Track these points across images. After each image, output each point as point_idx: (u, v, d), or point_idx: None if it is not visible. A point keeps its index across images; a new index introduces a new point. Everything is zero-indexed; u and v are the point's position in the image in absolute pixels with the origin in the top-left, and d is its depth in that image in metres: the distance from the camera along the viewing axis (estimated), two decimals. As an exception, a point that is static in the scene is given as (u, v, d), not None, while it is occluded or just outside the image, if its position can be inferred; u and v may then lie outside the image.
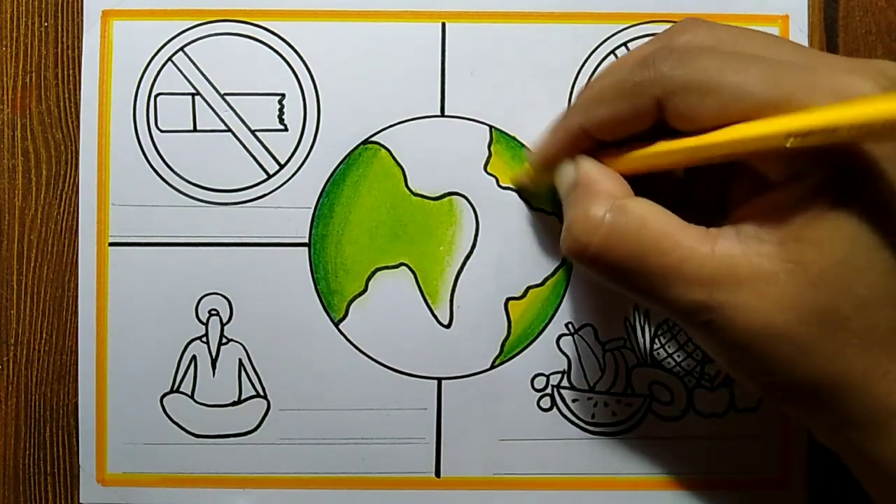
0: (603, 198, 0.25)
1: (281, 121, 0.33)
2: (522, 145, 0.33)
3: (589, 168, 0.26)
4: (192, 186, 0.33)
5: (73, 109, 0.33)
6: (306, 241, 0.33)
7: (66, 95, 0.33)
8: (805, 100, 0.21)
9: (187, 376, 0.33)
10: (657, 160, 0.25)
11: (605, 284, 0.25)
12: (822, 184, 0.21)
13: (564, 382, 0.33)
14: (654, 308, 0.25)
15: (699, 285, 0.22)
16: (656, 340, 0.32)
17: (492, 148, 0.33)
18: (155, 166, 0.33)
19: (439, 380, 0.33)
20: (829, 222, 0.21)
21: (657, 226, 0.23)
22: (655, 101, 0.23)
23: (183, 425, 0.32)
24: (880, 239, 0.21)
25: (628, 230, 0.24)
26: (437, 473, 0.33)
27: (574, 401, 0.33)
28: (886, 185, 0.21)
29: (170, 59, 0.33)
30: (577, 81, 0.33)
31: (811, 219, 0.21)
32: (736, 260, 0.22)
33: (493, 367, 0.33)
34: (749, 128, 0.22)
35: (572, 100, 0.32)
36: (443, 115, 0.33)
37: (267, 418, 0.33)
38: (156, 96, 0.33)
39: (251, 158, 0.33)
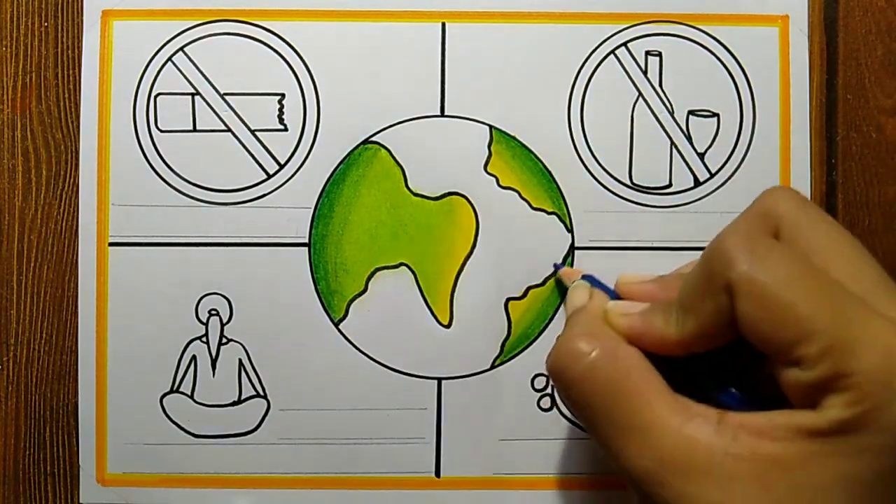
0: (597, 335, 0.25)
1: (281, 121, 0.33)
2: (523, 145, 0.33)
3: (599, 303, 0.26)
4: (192, 186, 0.33)
5: (73, 109, 0.33)
6: (306, 241, 0.33)
7: (66, 95, 0.33)
8: (855, 357, 0.20)
9: (187, 376, 0.32)
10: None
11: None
12: (831, 432, 0.20)
13: (564, 382, 0.33)
14: (604, 456, 0.25)
15: (652, 456, 0.22)
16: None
17: (492, 148, 0.33)
18: (155, 166, 0.33)
19: (439, 380, 0.33)
20: (817, 470, 0.20)
21: (637, 381, 0.23)
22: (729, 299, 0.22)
23: (183, 425, 0.32)
24: None
25: (607, 374, 0.24)
26: (437, 473, 0.33)
27: (574, 401, 0.33)
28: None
29: (170, 59, 0.33)
30: (577, 81, 0.33)
31: (804, 457, 0.21)
32: (698, 447, 0.21)
33: (493, 367, 0.33)
34: None
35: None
36: (443, 115, 0.33)
37: (267, 418, 0.32)
38: (156, 96, 0.33)
39: (251, 158, 0.33)
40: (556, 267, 0.32)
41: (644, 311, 0.25)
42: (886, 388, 0.20)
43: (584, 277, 0.30)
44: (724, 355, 0.23)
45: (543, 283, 0.33)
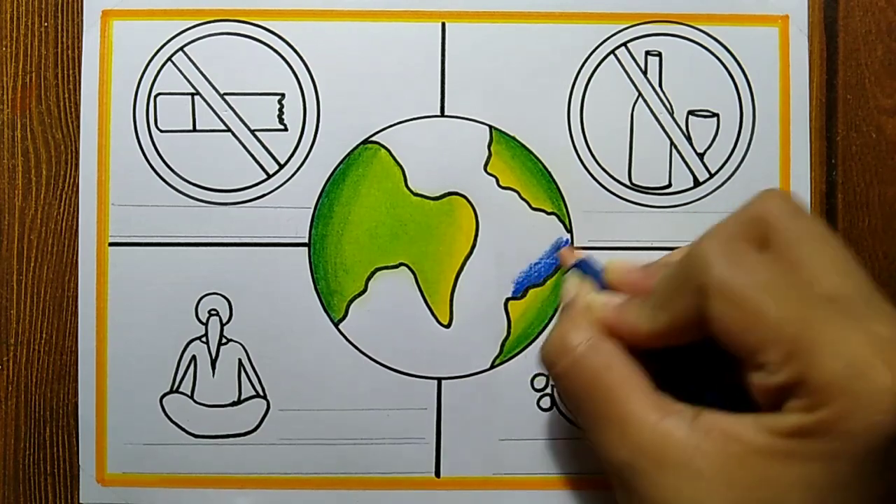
0: (584, 328, 0.26)
1: (281, 121, 0.33)
2: (522, 145, 0.33)
3: (585, 295, 0.28)
4: (191, 186, 0.33)
5: (73, 109, 0.33)
6: (306, 241, 0.33)
7: (66, 95, 0.33)
8: (817, 364, 0.21)
9: (187, 376, 0.33)
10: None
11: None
12: (791, 435, 0.21)
13: (564, 382, 0.33)
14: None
15: (630, 448, 0.23)
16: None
17: (492, 148, 0.33)
18: (155, 166, 0.33)
19: (439, 380, 0.33)
20: (776, 471, 0.21)
21: (617, 375, 0.25)
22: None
23: (182, 425, 0.32)
24: None
25: (591, 367, 0.25)
26: (437, 473, 0.33)
27: (574, 401, 0.33)
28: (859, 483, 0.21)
29: (170, 58, 0.33)
30: (577, 81, 0.33)
31: (764, 458, 0.21)
32: (672, 442, 0.22)
33: (493, 367, 0.33)
34: None
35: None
36: (443, 115, 0.33)
37: (267, 418, 0.33)
38: (156, 96, 0.33)
39: (251, 158, 0.33)
40: (558, 247, 0.32)
41: (622, 303, 0.26)
42: (846, 397, 0.20)
43: (578, 264, 0.30)
44: (709, 354, 0.23)
45: (543, 283, 0.33)
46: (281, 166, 0.33)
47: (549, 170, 0.33)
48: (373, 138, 0.33)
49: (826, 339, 0.21)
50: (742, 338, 0.22)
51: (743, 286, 0.22)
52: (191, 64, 0.33)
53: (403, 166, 0.33)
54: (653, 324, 0.25)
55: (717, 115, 0.33)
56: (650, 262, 0.28)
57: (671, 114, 0.33)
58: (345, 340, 0.32)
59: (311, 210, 0.33)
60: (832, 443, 0.20)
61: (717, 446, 0.22)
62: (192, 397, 0.32)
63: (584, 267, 0.30)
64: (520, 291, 0.33)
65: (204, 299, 0.32)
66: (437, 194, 0.33)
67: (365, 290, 0.33)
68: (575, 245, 0.33)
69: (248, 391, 0.33)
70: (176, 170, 0.33)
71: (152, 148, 0.33)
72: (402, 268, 0.33)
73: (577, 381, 0.25)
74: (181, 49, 0.33)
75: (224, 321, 0.32)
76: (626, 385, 0.24)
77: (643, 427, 0.23)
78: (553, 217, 0.33)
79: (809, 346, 0.21)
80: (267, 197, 0.33)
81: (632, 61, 0.33)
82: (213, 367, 0.33)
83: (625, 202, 0.33)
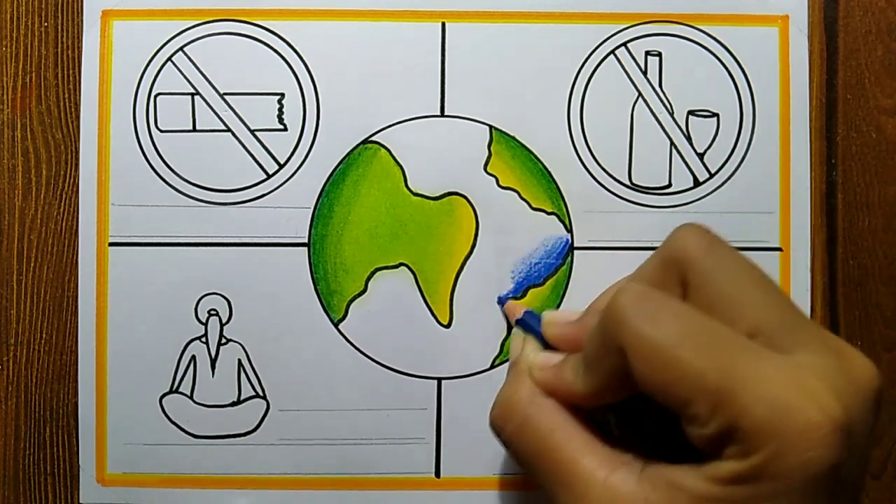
0: (526, 391, 0.26)
1: (280, 120, 0.33)
2: (522, 145, 0.33)
3: (528, 355, 0.27)
4: (191, 186, 0.33)
5: (73, 109, 0.33)
6: (306, 241, 0.33)
7: (66, 95, 0.33)
8: (742, 411, 0.20)
9: (187, 376, 0.32)
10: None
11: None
12: (732, 482, 0.21)
13: (564, 382, 0.33)
14: None
15: None
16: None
17: (492, 148, 0.33)
18: (155, 166, 0.33)
19: (439, 380, 0.33)
20: None
21: (562, 436, 0.24)
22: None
23: (182, 426, 0.32)
24: None
25: (537, 430, 0.25)
26: (437, 473, 0.33)
27: (574, 401, 0.33)
28: None
29: (169, 58, 0.33)
30: (577, 81, 0.33)
31: None
32: (622, 497, 0.22)
33: (492, 366, 0.33)
34: None
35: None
36: (443, 115, 0.33)
37: (266, 418, 0.33)
38: (155, 96, 0.33)
39: (251, 158, 0.33)
40: (500, 301, 0.32)
41: (558, 364, 0.26)
42: (776, 439, 0.20)
43: (519, 321, 0.30)
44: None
45: (543, 283, 0.33)
46: (281, 166, 0.33)
47: (549, 170, 0.33)
48: (373, 138, 0.33)
49: (749, 384, 0.21)
50: (667, 393, 0.22)
51: (660, 342, 0.22)
52: (191, 64, 0.33)
53: (403, 166, 0.33)
54: (586, 386, 0.24)
55: (717, 115, 0.33)
56: (585, 312, 0.28)
57: (671, 114, 0.33)
58: (345, 340, 0.32)
59: (311, 210, 0.33)
60: (770, 484, 0.20)
61: (663, 498, 0.22)
62: (191, 397, 0.32)
63: (524, 324, 0.30)
64: (519, 291, 0.33)
65: (204, 299, 0.32)
66: (437, 194, 0.33)
67: (365, 290, 0.33)
68: (575, 245, 0.33)
69: (247, 391, 0.33)
70: (176, 170, 0.33)
71: (152, 148, 0.33)
72: (402, 268, 0.33)
73: (525, 445, 0.25)
74: (181, 49, 0.33)
75: (224, 321, 0.32)
76: (572, 444, 0.24)
77: (593, 485, 0.23)
78: (553, 217, 0.33)
79: (733, 394, 0.21)
80: (267, 197, 0.33)
81: (632, 61, 0.33)
82: (213, 368, 0.33)
83: (625, 202, 0.33)
